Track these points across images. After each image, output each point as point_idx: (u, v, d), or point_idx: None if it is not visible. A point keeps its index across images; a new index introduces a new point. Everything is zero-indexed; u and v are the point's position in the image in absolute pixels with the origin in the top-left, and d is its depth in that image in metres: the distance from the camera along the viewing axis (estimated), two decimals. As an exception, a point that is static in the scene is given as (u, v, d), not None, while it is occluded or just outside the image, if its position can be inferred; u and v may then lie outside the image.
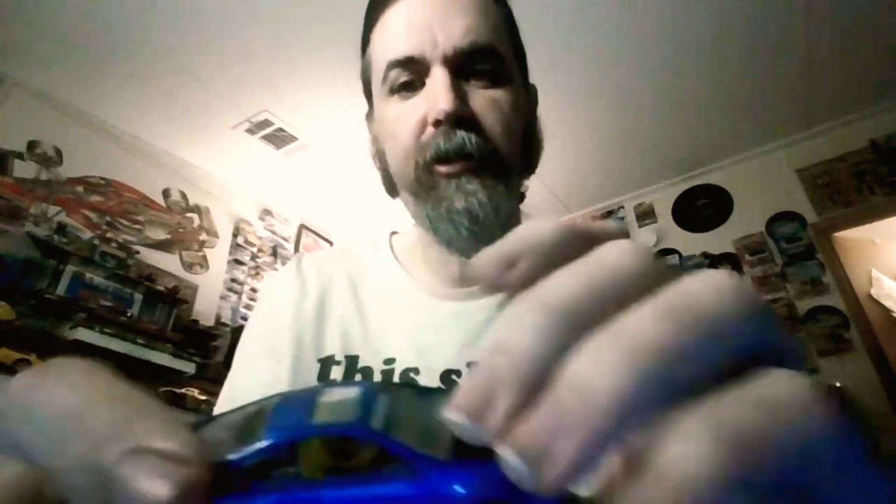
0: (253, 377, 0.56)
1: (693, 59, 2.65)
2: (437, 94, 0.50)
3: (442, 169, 0.51)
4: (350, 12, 2.47)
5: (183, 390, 2.85)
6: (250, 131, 3.25)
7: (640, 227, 3.70)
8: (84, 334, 2.60)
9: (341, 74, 2.64)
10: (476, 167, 0.50)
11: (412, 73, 0.53)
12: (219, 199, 3.77)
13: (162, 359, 2.87)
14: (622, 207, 3.83)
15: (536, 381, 0.13)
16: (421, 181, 0.52)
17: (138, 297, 3.04)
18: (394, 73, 0.54)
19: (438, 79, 0.51)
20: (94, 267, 2.86)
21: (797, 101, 2.98)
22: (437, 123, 0.50)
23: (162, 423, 0.16)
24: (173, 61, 2.74)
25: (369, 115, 0.64)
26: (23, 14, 2.49)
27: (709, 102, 2.95)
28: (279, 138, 3.30)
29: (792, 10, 2.42)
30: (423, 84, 0.53)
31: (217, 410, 0.58)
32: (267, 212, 4.07)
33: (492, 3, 0.56)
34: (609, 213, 3.86)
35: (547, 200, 3.67)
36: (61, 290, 2.69)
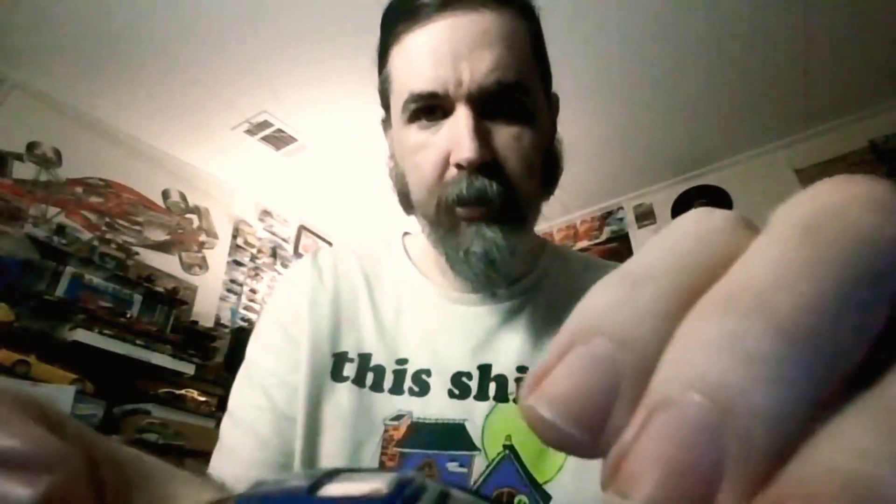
0: (273, 360, 0.57)
1: (692, 59, 2.65)
2: (461, 138, 0.50)
3: (462, 212, 0.52)
4: (350, 14, 2.48)
5: (182, 391, 2.85)
6: (250, 132, 3.25)
7: (639, 227, 3.70)
8: (83, 335, 2.60)
9: (341, 75, 2.64)
10: (496, 213, 0.51)
11: (435, 105, 0.53)
12: (218, 200, 3.76)
13: (161, 360, 2.87)
14: (621, 208, 3.83)
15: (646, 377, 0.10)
16: (441, 220, 0.53)
17: (138, 298, 3.04)
18: (415, 104, 0.53)
19: (462, 121, 0.51)
20: (94, 268, 2.86)
21: (797, 102, 2.98)
22: (459, 166, 0.51)
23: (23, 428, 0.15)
24: (172, 62, 2.74)
25: (385, 123, 0.63)
26: (22, 16, 2.49)
27: (708, 103, 2.95)
28: (279, 139, 3.30)
29: (791, 11, 2.42)
30: (444, 114, 0.53)
31: (235, 391, 0.58)
32: (266, 213, 4.07)
33: (519, 24, 0.55)
34: (608, 214, 3.86)
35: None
36: (60, 291, 2.69)
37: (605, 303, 0.11)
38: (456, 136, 0.51)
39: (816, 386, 0.09)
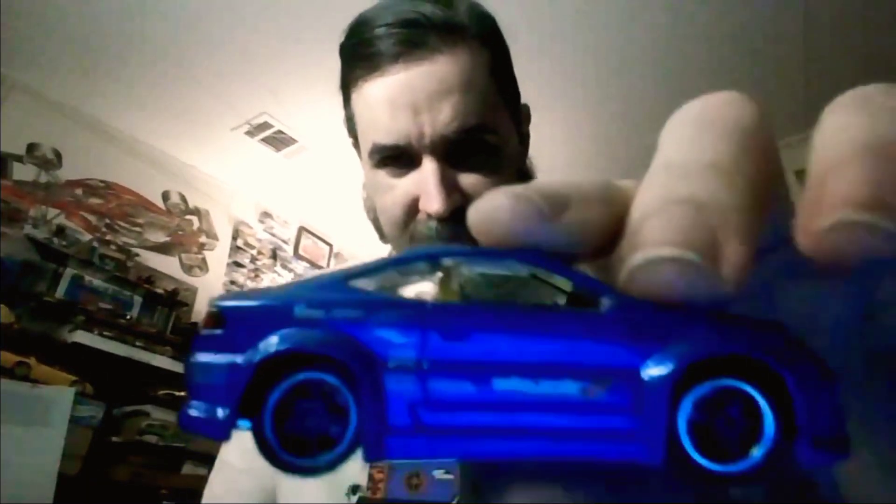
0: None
1: (692, 59, 2.65)
2: (428, 190, 0.51)
3: None
4: (351, 15, 2.47)
5: (182, 393, 2.84)
6: (250, 133, 3.25)
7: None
8: (83, 337, 2.60)
9: (341, 77, 2.64)
10: None
11: (400, 153, 0.54)
12: (218, 201, 3.76)
13: (161, 361, 2.87)
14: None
15: None
16: None
17: (138, 299, 3.03)
18: (380, 154, 0.54)
19: (429, 174, 0.52)
20: (94, 269, 2.86)
21: (797, 102, 2.98)
22: (428, 215, 0.52)
23: None
24: (173, 64, 2.74)
25: (356, 147, 0.64)
26: (22, 16, 2.49)
27: (708, 104, 2.95)
28: (279, 140, 3.30)
29: (791, 11, 2.43)
30: (410, 161, 0.54)
31: None
32: (266, 214, 4.07)
33: (478, 59, 0.55)
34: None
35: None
36: (60, 292, 2.69)
37: None
38: (424, 187, 0.52)
39: (746, 186, 0.13)
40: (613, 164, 3.51)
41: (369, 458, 0.13)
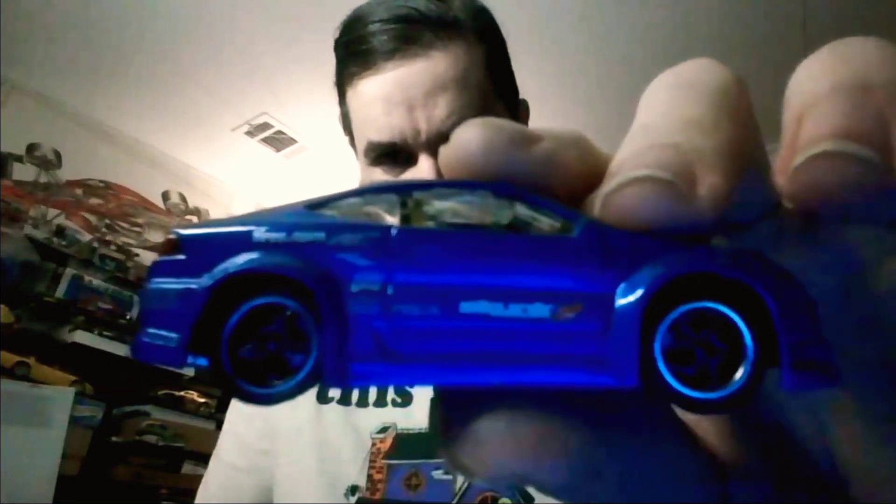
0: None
1: (691, 55, 2.65)
2: None
3: None
4: (349, 15, 2.48)
5: (182, 393, 2.84)
6: (250, 133, 3.25)
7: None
8: (83, 337, 2.60)
9: (341, 77, 2.64)
10: None
11: (396, 150, 0.54)
12: (218, 201, 3.76)
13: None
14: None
15: None
16: None
17: (137, 299, 3.03)
18: (375, 152, 0.54)
19: (425, 172, 0.51)
20: (94, 270, 2.86)
21: (796, 103, 2.99)
22: None
23: None
24: (173, 64, 2.74)
25: (352, 145, 0.64)
26: (22, 17, 2.49)
27: (708, 104, 2.96)
28: (279, 140, 3.30)
29: (791, 11, 2.43)
30: (407, 158, 0.53)
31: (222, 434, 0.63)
32: (266, 214, 4.07)
33: (473, 54, 0.55)
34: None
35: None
36: (60, 292, 2.69)
37: None
38: None
39: (724, 133, 0.13)
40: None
41: (329, 382, 0.12)
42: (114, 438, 2.55)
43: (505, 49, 0.61)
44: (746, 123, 0.14)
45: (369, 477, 0.52)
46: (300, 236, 0.13)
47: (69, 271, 2.75)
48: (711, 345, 0.13)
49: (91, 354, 2.59)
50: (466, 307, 0.13)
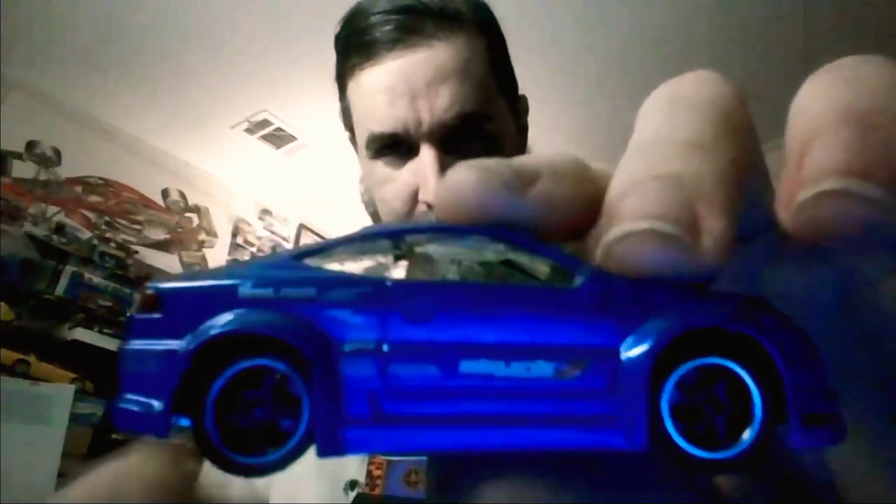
0: None
1: (692, 59, 2.65)
2: (427, 179, 0.51)
3: None
4: (349, 12, 2.47)
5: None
6: (249, 131, 3.25)
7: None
8: (83, 334, 2.60)
9: (340, 74, 2.63)
10: None
11: (398, 141, 0.54)
12: (218, 199, 3.76)
13: (161, 359, 2.87)
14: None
15: None
16: None
17: (137, 297, 3.03)
18: (377, 143, 0.54)
19: (427, 162, 0.51)
20: (93, 267, 2.86)
21: (796, 101, 2.98)
22: (428, 205, 0.52)
23: None
24: (172, 61, 2.73)
25: (353, 143, 0.63)
26: (21, 15, 2.48)
27: (708, 102, 2.95)
28: (278, 138, 3.30)
29: (791, 11, 2.42)
30: (409, 149, 0.53)
31: None
32: (266, 212, 4.06)
33: (475, 47, 0.55)
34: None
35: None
36: (60, 290, 2.68)
37: None
38: (422, 176, 0.51)
39: (724, 157, 0.13)
40: (612, 158, 3.49)
41: (323, 452, 0.12)
42: (114, 436, 2.56)
43: (505, 45, 0.61)
44: (747, 140, 0.14)
45: (368, 473, 0.52)
46: (289, 292, 0.12)
47: (69, 269, 2.75)
48: (717, 400, 0.13)
49: (91, 352, 2.59)
50: (467, 366, 0.12)
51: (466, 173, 0.13)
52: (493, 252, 0.13)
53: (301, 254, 0.13)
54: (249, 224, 3.95)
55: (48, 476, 2.03)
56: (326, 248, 0.13)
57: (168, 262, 3.35)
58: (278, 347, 0.12)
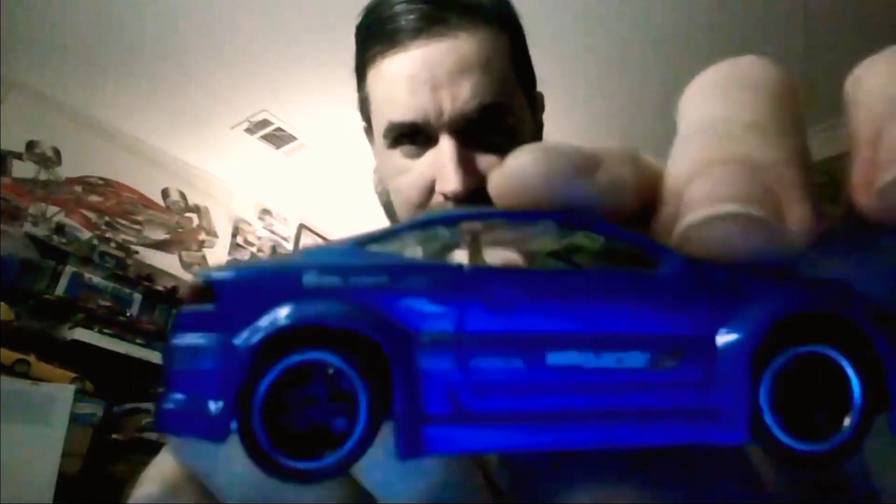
0: None
1: (692, 60, 2.65)
2: (445, 169, 0.50)
3: None
4: (350, 13, 2.47)
5: (182, 390, 2.84)
6: (249, 131, 3.25)
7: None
8: (83, 334, 2.60)
9: (341, 74, 2.63)
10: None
11: (417, 131, 0.53)
12: (218, 198, 3.76)
13: (161, 359, 2.87)
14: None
15: None
16: None
17: (137, 297, 3.03)
18: (396, 132, 0.53)
19: (446, 152, 0.50)
20: (93, 267, 2.86)
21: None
22: (445, 196, 0.51)
23: None
24: (172, 62, 2.73)
25: (369, 134, 0.63)
26: (21, 14, 2.48)
27: (708, 102, 2.95)
28: (278, 138, 3.30)
29: (791, 11, 2.42)
30: (427, 139, 0.53)
31: None
32: (266, 211, 4.06)
33: (498, 41, 0.55)
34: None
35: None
36: (60, 290, 2.68)
37: None
38: (440, 166, 0.51)
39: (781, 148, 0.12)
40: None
41: (404, 454, 0.11)
42: (114, 436, 2.56)
43: (525, 41, 0.61)
44: (803, 124, 0.13)
45: None
46: (359, 281, 0.11)
47: (69, 269, 2.75)
48: (816, 390, 0.12)
49: (91, 352, 2.59)
50: (553, 358, 0.11)
51: (533, 156, 0.12)
52: (557, 237, 0.12)
53: (366, 240, 0.12)
54: (249, 224, 3.95)
55: (48, 476, 2.03)
56: (391, 234, 0.12)
57: (168, 261, 3.35)
58: (337, 341, 0.11)
